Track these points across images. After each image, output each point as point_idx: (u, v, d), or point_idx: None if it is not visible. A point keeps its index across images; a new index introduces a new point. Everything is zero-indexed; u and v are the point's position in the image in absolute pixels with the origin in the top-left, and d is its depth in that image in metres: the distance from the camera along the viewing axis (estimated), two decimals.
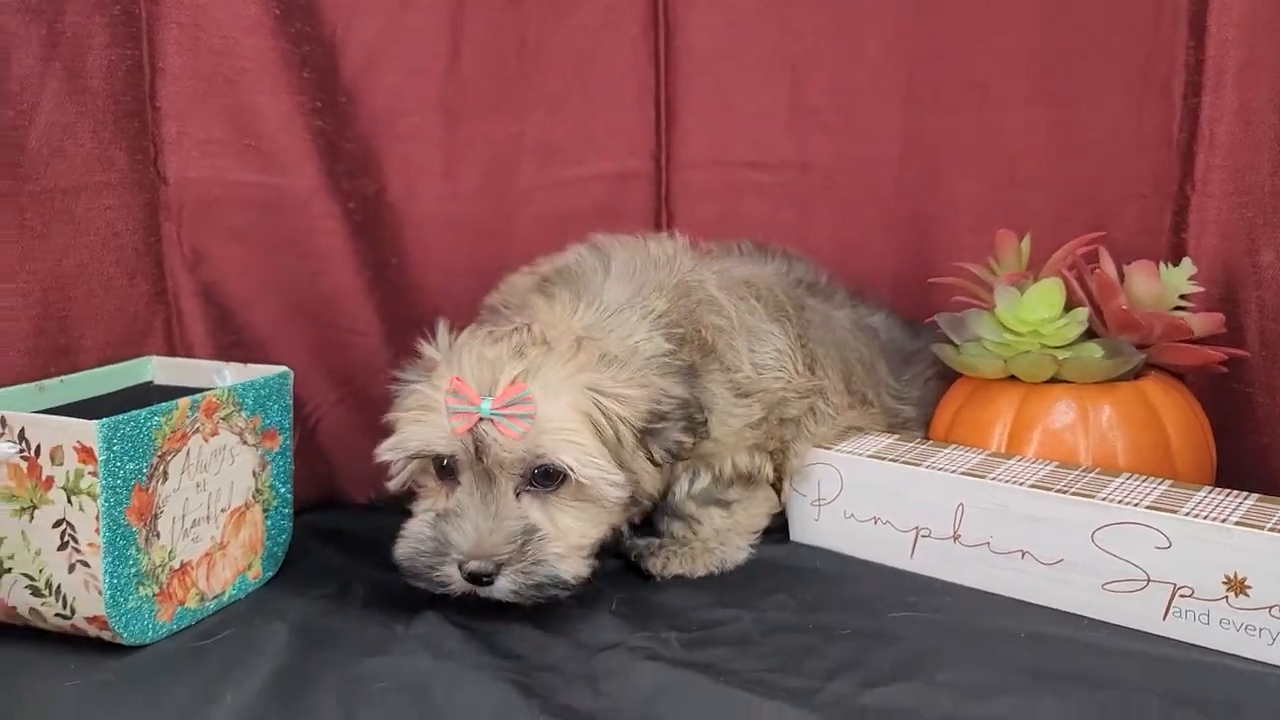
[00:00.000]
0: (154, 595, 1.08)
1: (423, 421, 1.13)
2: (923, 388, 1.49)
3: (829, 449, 1.33)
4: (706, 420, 1.19)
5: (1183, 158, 1.42)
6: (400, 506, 1.46)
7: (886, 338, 1.51)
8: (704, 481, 1.28)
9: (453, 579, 1.11)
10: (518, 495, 1.12)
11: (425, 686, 1.00)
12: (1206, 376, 1.39)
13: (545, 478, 1.12)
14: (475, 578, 1.10)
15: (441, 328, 1.20)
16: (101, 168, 1.25)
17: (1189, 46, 1.41)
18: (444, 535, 1.11)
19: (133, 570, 1.05)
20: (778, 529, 1.37)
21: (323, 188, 1.44)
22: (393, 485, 1.18)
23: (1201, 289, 1.34)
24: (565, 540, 1.13)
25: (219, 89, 1.35)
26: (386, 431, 1.53)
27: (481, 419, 1.08)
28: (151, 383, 1.31)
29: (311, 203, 1.44)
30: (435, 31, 1.52)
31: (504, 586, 1.11)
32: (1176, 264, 1.37)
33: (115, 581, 1.03)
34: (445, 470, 1.14)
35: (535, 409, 1.09)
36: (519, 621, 1.14)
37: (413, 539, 1.15)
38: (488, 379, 1.10)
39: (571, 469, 1.09)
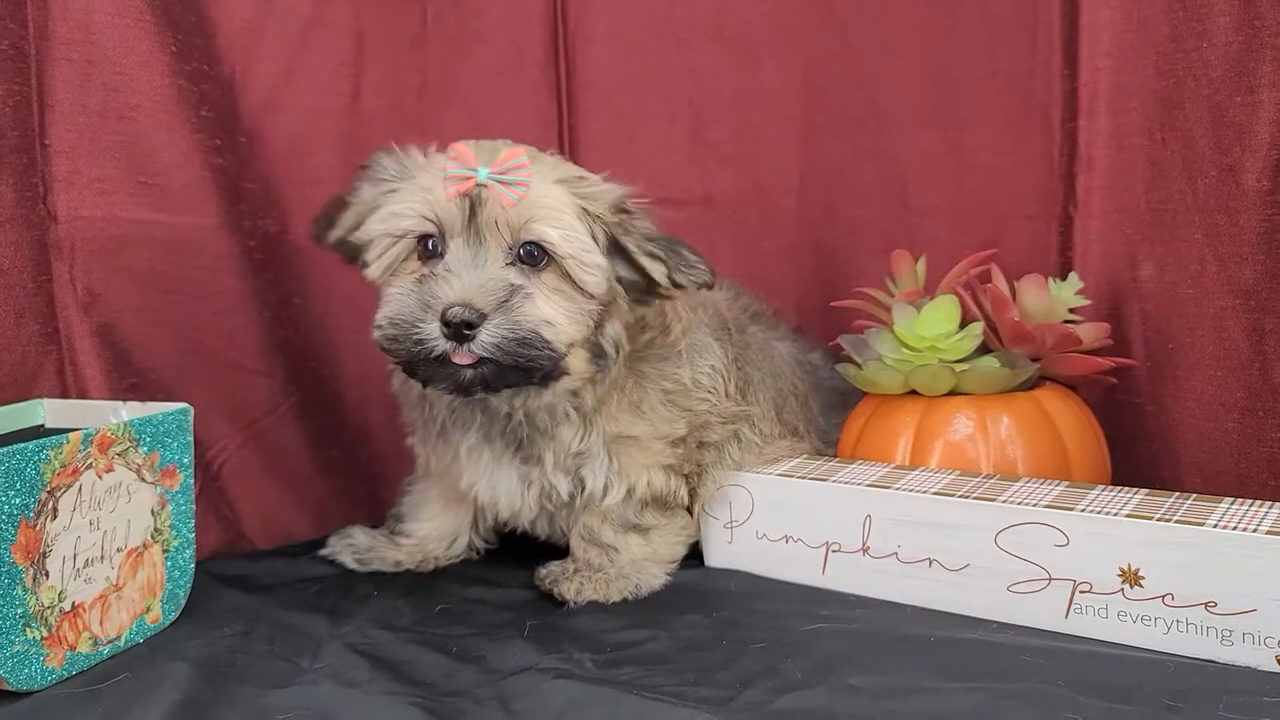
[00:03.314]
0: (42, 639, 1.04)
1: (413, 196, 1.16)
2: None
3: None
4: (668, 271, 1.20)
5: (1064, 179, 1.49)
6: (310, 552, 1.45)
7: (824, 375, 1.53)
8: (618, 493, 1.27)
9: (432, 336, 1.12)
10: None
11: (332, 716, 0.98)
12: (1098, 389, 1.43)
13: (531, 257, 1.15)
14: (458, 328, 1.10)
15: (414, 148, 1.22)
16: None
17: (1064, 74, 1.48)
18: (430, 290, 1.13)
19: (19, 611, 1.01)
20: (693, 555, 1.37)
21: (223, 226, 1.43)
22: (374, 272, 1.19)
23: (1089, 302, 1.39)
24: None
25: (111, 125, 1.33)
26: (293, 478, 1.53)
27: (478, 184, 1.13)
28: (43, 426, 1.27)
29: (211, 242, 1.42)
30: (335, 72, 1.53)
31: (486, 339, 1.11)
32: (1063, 279, 1.42)
33: (1, 623, 0.99)
34: (430, 251, 1.16)
35: (531, 178, 1.14)
36: (423, 647, 1.13)
37: (395, 300, 1.16)
38: (487, 152, 1.16)
39: (556, 243, 1.14)
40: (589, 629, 1.18)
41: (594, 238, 1.18)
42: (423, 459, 1.40)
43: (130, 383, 1.38)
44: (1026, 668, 1.04)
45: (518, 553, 1.41)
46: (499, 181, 1.14)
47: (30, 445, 1.01)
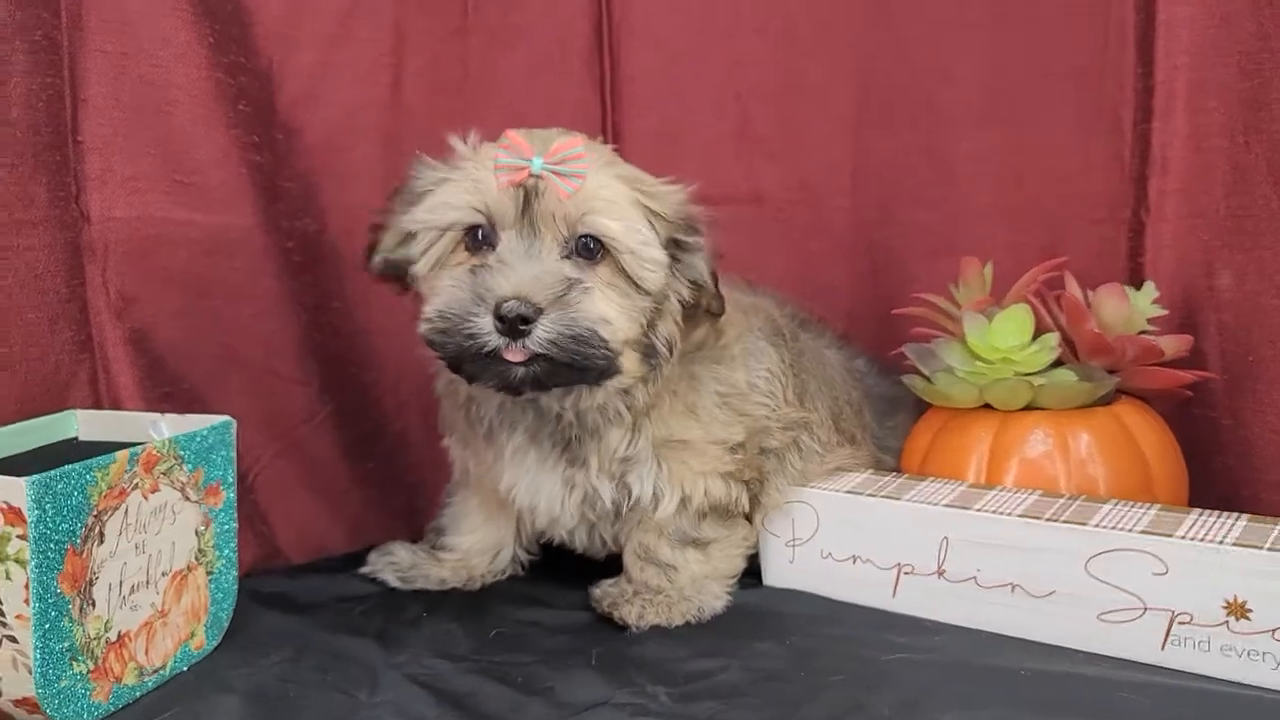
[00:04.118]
0: (88, 672, 0.98)
1: (463, 187, 1.11)
2: (904, 437, 1.46)
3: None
4: (720, 298, 1.18)
5: (1135, 182, 1.43)
6: (347, 567, 1.39)
7: (871, 382, 1.48)
8: (671, 503, 1.22)
9: (484, 330, 1.06)
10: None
11: None
12: (1169, 402, 1.38)
13: (587, 250, 1.10)
14: (513, 323, 1.05)
15: (456, 140, 1.17)
16: (21, 204, 1.14)
17: (1137, 72, 1.42)
18: (483, 282, 1.07)
19: (65, 645, 0.95)
20: (748, 571, 1.32)
21: (260, 226, 1.36)
22: (421, 267, 1.13)
23: (1166, 311, 1.33)
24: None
25: (147, 120, 1.26)
26: (329, 489, 1.47)
27: (531, 175, 1.08)
28: (76, 439, 1.20)
29: (249, 242, 1.35)
30: (375, 63, 1.46)
31: (541, 335, 1.06)
32: (1135, 288, 1.36)
33: (46, 658, 0.93)
34: (479, 242, 1.11)
35: (588, 169, 1.09)
36: (485, 678, 1.07)
37: (446, 293, 1.10)
38: (541, 141, 1.10)
39: (616, 236, 1.09)
40: (656, 657, 1.12)
41: (655, 231, 1.12)
42: (460, 463, 1.33)
43: (164, 391, 1.31)
44: (1126, 705, 0.99)
45: (565, 569, 1.35)
46: (554, 172, 1.08)
47: (77, 467, 0.95)
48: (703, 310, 1.19)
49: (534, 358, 1.07)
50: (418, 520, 1.53)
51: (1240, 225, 1.32)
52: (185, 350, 1.33)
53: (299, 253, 1.40)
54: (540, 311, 1.06)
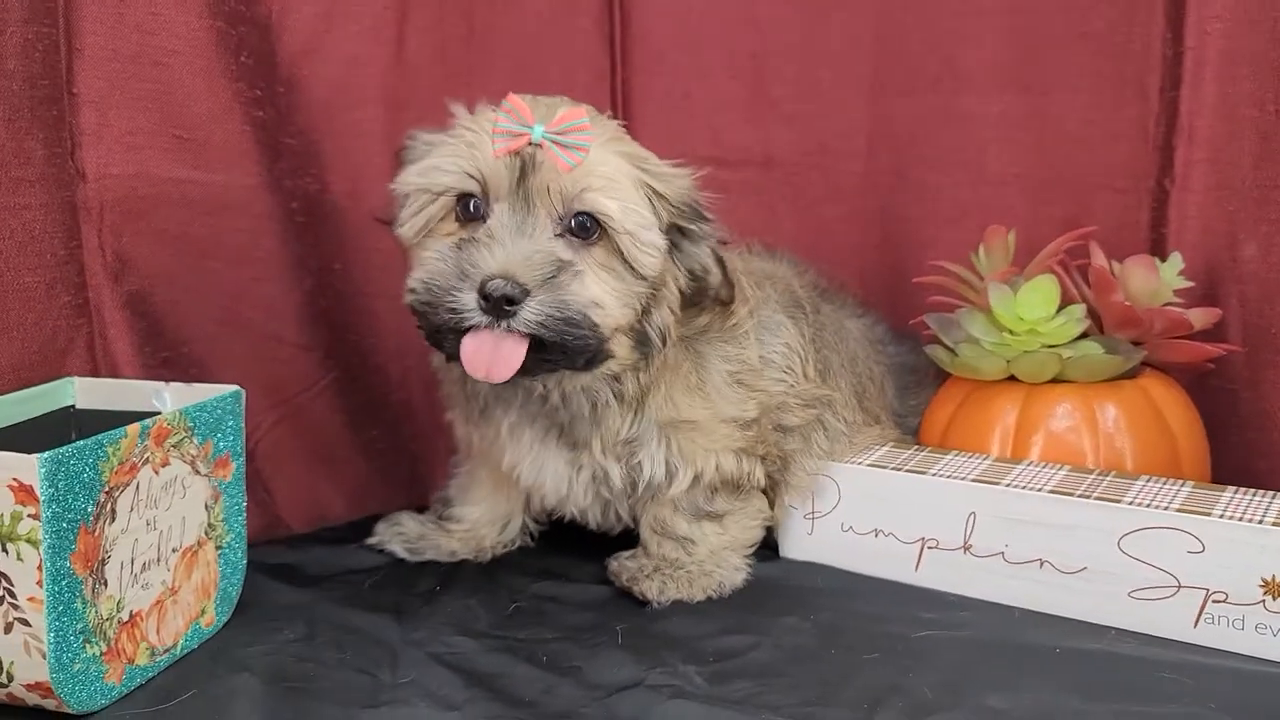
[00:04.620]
0: (101, 654, 0.93)
1: (457, 150, 1.05)
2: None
3: None
4: (730, 285, 1.14)
5: (1160, 151, 1.40)
6: (351, 537, 1.35)
7: (891, 351, 1.45)
8: (684, 480, 1.18)
9: (467, 307, 1.01)
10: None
11: None
12: (1190, 374, 1.37)
13: (582, 229, 1.05)
14: (498, 303, 1.00)
15: (455, 104, 1.12)
16: (17, 161, 1.07)
17: (1165, 38, 1.39)
18: (469, 257, 1.02)
19: (79, 627, 0.91)
20: (764, 544, 1.29)
21: (264, 186, 1.30)
22: (406, 232, 1.08)
23: (1192, 284, 1.31)
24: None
25: (145, 72, 1.19)
26: (331, 458, 1.43)
27: (531, 143, 1.02)
28: (73, 407, 1.15)
29: (251, 203, 1.29)
30: (379, 17, 1.39)
31: (528, 316, 1.01)
32: (1158, 259, 1.34)
33: (60, 641, 0.88)
34: (470, 213, 1.06)
35: (591, 142, 1.03)
36: (511, 657, 1.04)
37: (430, 264, 1.05)
38: (544, 109, 1.05)
39: (614, 217, 1.03)
40: (683, 634, 1.10)
41: (656, 214, 1.07)
42: (464, 437, 1.30)
43: (162, 357, 1.26)
44: (1168, 686, 0.97)
45: (576, 540, 1.32)
46: (555, 143, 1.03)
47: (89, 443, 0.90)
48: (710, 298, 1.14)
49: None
50: (419, 489, 1.49)
51: (1267, 196, 1.30)
52: (185, 315, 1.27)
53: (302, 213, 1.35)
54: (527, 293, 1.01)
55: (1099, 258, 1.31)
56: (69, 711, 0.91)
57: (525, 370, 1.04)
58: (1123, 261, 1.31)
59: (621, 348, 1.09)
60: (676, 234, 1.10)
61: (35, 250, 1.11)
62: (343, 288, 1.40)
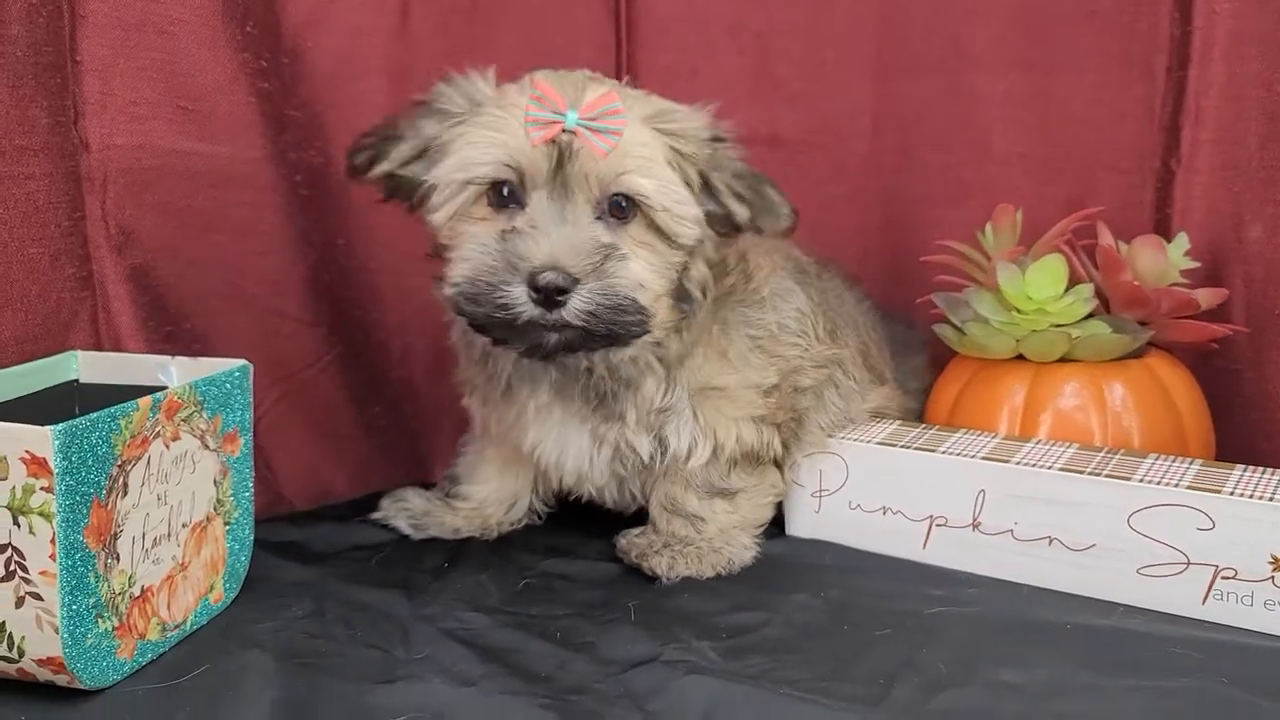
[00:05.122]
0: (114, 629, 0.93)
1: (491, 140, 1.04)
2: (921, 379, 1.44)
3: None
4: (768, 212, 1.13)
5: (1167, 132, 1.40)
6: (354, 513, 1.34)
7: (881, 325, 1.45)
8: (704, 452, 1.18)
9: (518, 301, 1.01)
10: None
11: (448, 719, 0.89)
12: (1194, 354, 1.37)
13: (618, 209, 1.05)
14: (549, 293, 1.00)
15: (478, 78, 1.10)
16: (21, 130, 1.06)
17: (1173, 17, 1.38)
18: (514, 249, 1.02)
19: (91, 601, 0.90)
20: (771, 521, 1.29)
21: (269, 158, 1.29)
22: (439, 219, 1.07)
23: (1198, 264, 1.32)
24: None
25: (150, 41, 1.18)
26: (334, 434, 1.41)
27: (565, 130, 1.02)
28: (77, 381, 1.13)
29: (256, 175, 1.28)
30: None
31: (578, 306, 1.02)
32: (1163, 239, 1.34)
33: (72, 615, 0.88)
34: (504, 199, 1.05)
35: (625, 124, 1.03)
36: (525, 633, 1.04)
37: (474, 258, 1.04)
38: (572, 91, 1.04)
39: (650, 196, 1.04)
40: (694, 610, 1.10)
41: (688, 184, 1.08)
42: (481, 420, 1.29)
43: (166, 331, 1.25)
44: (1179, 661, 0.98)
45: (582, 518, 1.32)
46: (589, 129, 1.03)
47: (103, 415, 0.89)
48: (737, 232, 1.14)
49: (566, 326, 1.03)
50: (422, 466, 1.49)
51: (1273, 177, 1.30)
52: (188, 288, 1.26)
53: (306, 187, 1.33)
54: (576, 282, 1.01)
55: (1106, 237, 1.31)
56: (81, 687, 0.90)
57: (571, 349, 1.05)
58: (1130, 242, 1.31)
59: (663, 310, 1.10)
60: (705, 181, 1.10)
61: (40, 221, 1.09)
62: (346, 263, 1.39)
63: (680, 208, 1.06)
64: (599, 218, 1.05)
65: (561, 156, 1.03)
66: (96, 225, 1.17)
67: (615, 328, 1.04)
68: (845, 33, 1.56)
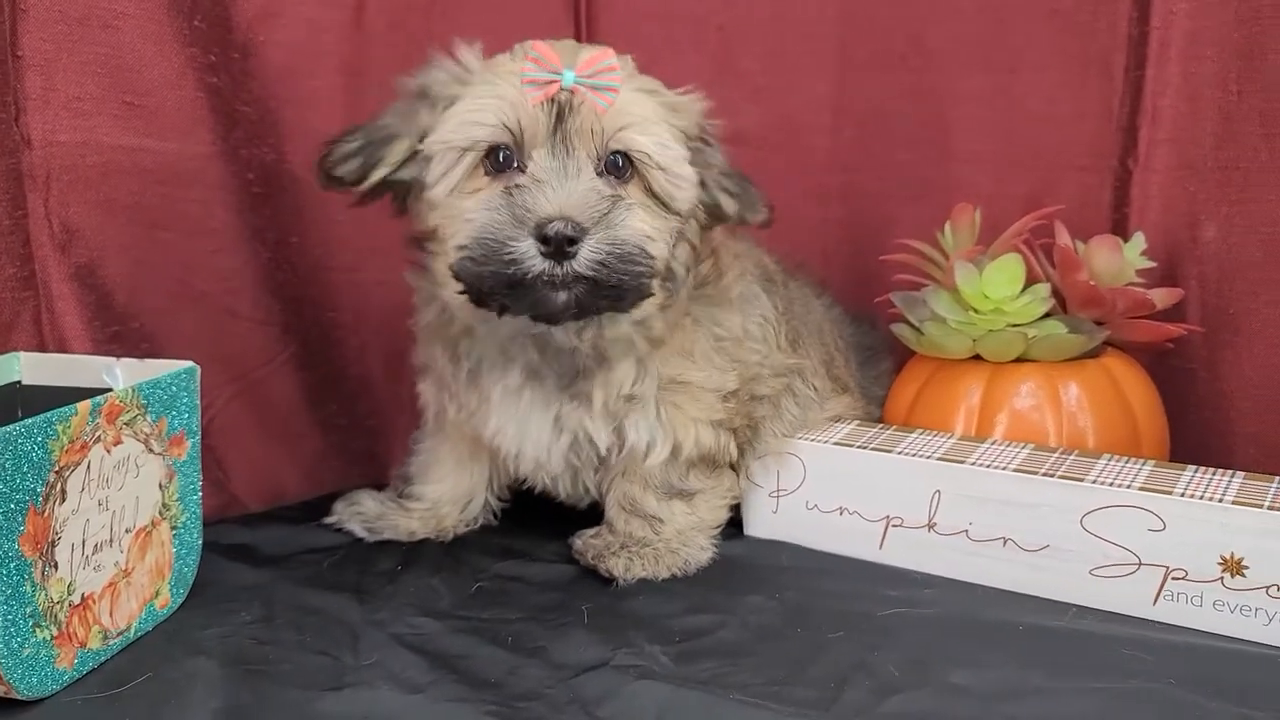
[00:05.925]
0: (52, 638, 0.91)
1: (487, 104, 1.04)
2: (885, 386, 1.44)
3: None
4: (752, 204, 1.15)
5: (1124, 131, 1.41)
6: (308, 516, 1.32)
7: (848, 331, 1.45)
8: (663, 451, 1.17)
9: (527, 255, 1.00)
10: None
11: None
12: (1149, 354, 1.38)
13: (616, 168, 1.06)
14: (559, 244, 0.99)
15: (465, 50, 1.10)
16: None
17: (1131, 17, 1.39)
18: (522, 203, 1.01)
19: (28, 610, 0.88)
20: (728, 521, 1.28)
21: (218, 155, 1.27)
22: (439, 192, 1.06)
23: (1154, 264, 1.32)
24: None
25: (94, 35, 1.15)
26: (287, 434, 1.39)
27: (563, 88, 1.03)
28: (19, 384, 1.11)
29: (205, 172, 1.26)
30: None
31: (588, 257, 1.01)
32: (1122, 239, 1.35)
33: (9, 625, 0.86)
34: (501, 164, 1.05)
35: (621, 82, 1.04)
36: (475, 638, 1.03)
37: (479, 217, 1.03)
38: (568, 53, 1.05)
39: (650, 153, 1.05)
40: (649, 613, 1.09)
41: (684, 149, 1.09)
42: (435, 408, 1.27)
43: (113, 331, 1.22)
44: (1129, 663, 0.98)
45: (538, 518, 1.31)
46: (587, 86, 1.03)
47: (38, 420, 0.87)
48: (735, 221, 1.16)
49: (577, 279, 1.02)
50: (377, 466, 1.47)
51: (1228, 178, 1.31)
52: (136, 287, 1.24)
53: (259, 184, 1.31)
54: (585, 232, 1.00)
55: (1064, 237, 1.31)
56: (18, 697, 0.88)
57: (581, 310, 1.05)
58: (1087, 241, 1.31)
59: (661, 268, 1.09)
60: (695, 162, 1.10)
61: None
62: (300, 261, 1.37)
63: (677, 167, 1.07)
64: (600, 174, 1.05)
65: (561, 113, 1.03)
66: (39, 223, 1.15)
67: (625, 278, 1.03)
68: (808, 28, 1.55)
